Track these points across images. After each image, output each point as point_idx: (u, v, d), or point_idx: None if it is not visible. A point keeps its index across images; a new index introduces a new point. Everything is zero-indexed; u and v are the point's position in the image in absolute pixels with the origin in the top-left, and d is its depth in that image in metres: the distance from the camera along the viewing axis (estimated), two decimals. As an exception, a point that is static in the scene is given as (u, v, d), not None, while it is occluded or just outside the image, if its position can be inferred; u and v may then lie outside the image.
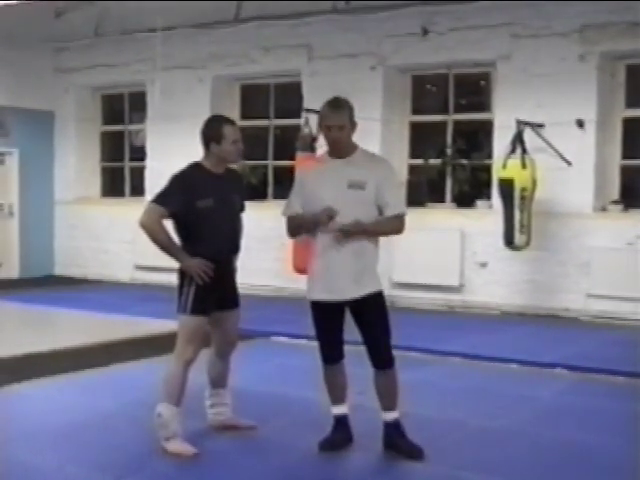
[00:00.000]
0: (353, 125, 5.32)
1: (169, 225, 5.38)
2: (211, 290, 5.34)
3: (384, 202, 5.24)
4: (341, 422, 5.53)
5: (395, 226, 5.36)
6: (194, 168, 5.49)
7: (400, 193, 5.40)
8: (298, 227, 5.45)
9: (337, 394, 5.52)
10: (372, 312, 5.31)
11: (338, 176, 5.23)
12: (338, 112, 5.26)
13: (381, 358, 5.33)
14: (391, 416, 5.38)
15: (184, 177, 5.42)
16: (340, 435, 5.51)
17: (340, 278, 5.21)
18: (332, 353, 5.44)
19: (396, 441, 5.38)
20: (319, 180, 5.31)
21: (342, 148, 5.30)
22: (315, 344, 5.54)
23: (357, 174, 5.22)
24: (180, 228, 5.44)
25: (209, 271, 5.30)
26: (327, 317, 5.37)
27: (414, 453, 5.30)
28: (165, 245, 5.31)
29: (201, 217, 5.33)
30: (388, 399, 5.38)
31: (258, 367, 7.80)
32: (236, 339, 5.76)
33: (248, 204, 5.80)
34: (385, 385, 5.37)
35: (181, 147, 12.75)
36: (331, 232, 5.16)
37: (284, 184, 13.48)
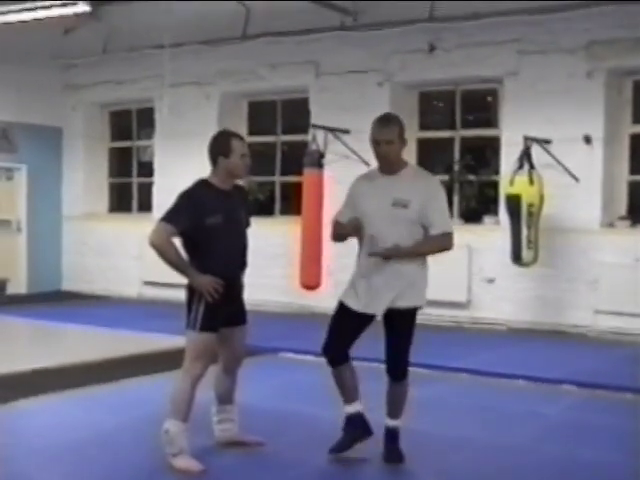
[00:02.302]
0: (403, 141, 5.35)
1: (177, 242, 5.39)
2: (220, 307, 5.33)
3: (428, 221, 5.27)
4: (353, 420, 5.53)
5: (439, 244, 5.38)
6: (202, 185, 5.50)
7: (446, 211, 5.39)
8: (339, 235, 5.52)
9: (348, 393, 5.54)
10: (403, 326, 5.37)
11: (384, 193, 5.28)
12: (387, 127, 5.31)
13: (397, 370, 5.41)
14: (393, 423, 5.53)
15: (192, 194, 5.42)
16: (351, 433, 5.53)
17: (375, 295, 5.29)
18: (333, 353, 5.45)
19: (387, 443, 5.54)
20: (366, 196, 5.38)
21: (390, 164, 5.34)
22: (323, 360, 5.53)
23: (402, 192, 5.25)
24: (189, 245, 5.43)
25: (219, 288, 5.30)
26: (349, 321, 5.40)
27: (391, 458, 5.49)
28: (175, 263, 5.31)
29: (210, 234, 5.33)
30: (394, 407, 5.51)
31: (265, 383, 7.79)
32: (243, 355, 5.76)
33: (255, 220, 5.82)
34: (395, 393, 5.48)
35: (188, 163, 12.82)
36: (371, 256, 5.26)
37: (291, 200, 13.51)
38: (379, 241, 5.25)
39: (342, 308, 5.45)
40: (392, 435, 5.51)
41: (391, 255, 5.21)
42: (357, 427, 5.53)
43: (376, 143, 5.30)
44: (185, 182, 5.62)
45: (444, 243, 5.38)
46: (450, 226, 5.38)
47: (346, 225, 5.39)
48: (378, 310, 5.31)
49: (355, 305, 5.37)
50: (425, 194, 5.29)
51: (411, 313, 5.38)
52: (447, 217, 5.40)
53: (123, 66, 15.07)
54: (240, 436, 5.81)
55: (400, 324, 5.36)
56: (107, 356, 9.14)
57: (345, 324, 5.42)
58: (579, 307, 11.20)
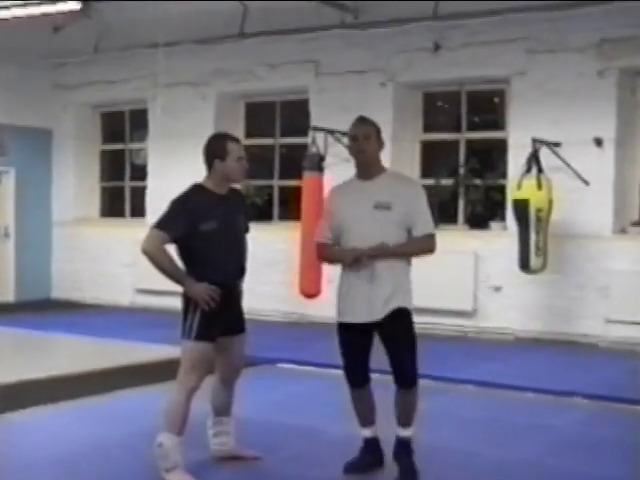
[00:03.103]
0: (380, 143, 5.47)
1: (172, 249, 5.39)
2: (217, 315, 5.34)
3: (412, 223, 5.35)
4: (370, 445, 5.59)
5: (424, 246, 5.46)
6: (196, 190, 5.51)
7: (429, 213, 5.48)
8: (327, 258, 5.64)
9: (365, 417, 5.60)
10: (396, 328, 5.36)
11: (364, 197, 5.35)
12: (364, 124, 5.46)
13: (404, 376, 5.39)
14: (405, 433, 5.46)
15: (186, 200, 5.44)
16: (367, 458, 5.58)
17: (366, 302, 5.31)
18: (356, 376, 5.52)
19: (400, 457, 5.46)
20: (345, 201, 5.45)
21: (368, 164, 5.43)
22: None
23: (384, 195, 5.33)
24: (184, 252, 5.45)
25: (215, 296, 5.31)
26: (353, 339, 5.44)
27: (407, 475, 5.38)
28: (169, 271, 5.33)
29: (205, 240, 5.35)
30: (405, 415, 5.45)
31: (263, 395, 7.79)
32: (241, 366, 5.76)
33: (253, 226, 5.83)
34: (404, 402, 5.44)
35: (183, 166, 12.81)
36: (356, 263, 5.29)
37: (290, 205, 13.51)
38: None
39: (341, 328, 5.49)
40: (405, 447, 5.44)
41: (377, 254, 5.24)
42: (373, 452, 5.59)
43: (354, 139, 5.43)
44: (179, 186, 5.64)
45: (428, 245, 5.46)
46: (433, 228, 5.48)
47: (334, 251, 5.44)
48: (369, 317, 5.30)
49: (349, 318, 5.39)
50: (407, 196, 5.39)
51: (404, 315, 5.37)
52: (430, 219, 5.47)
53: (115, 65, 15.09)
54: (237, 450, 5.81)
55: (396, 328, 5.35)
56: (98, 367, 9.14)
57: (352, 343, 5.46)
58: (589, 316, 11.20)
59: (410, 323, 5.41)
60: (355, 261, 5.26)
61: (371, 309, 5.29)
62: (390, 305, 5.31)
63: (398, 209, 5.29)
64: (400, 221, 5.32)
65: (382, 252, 5.24)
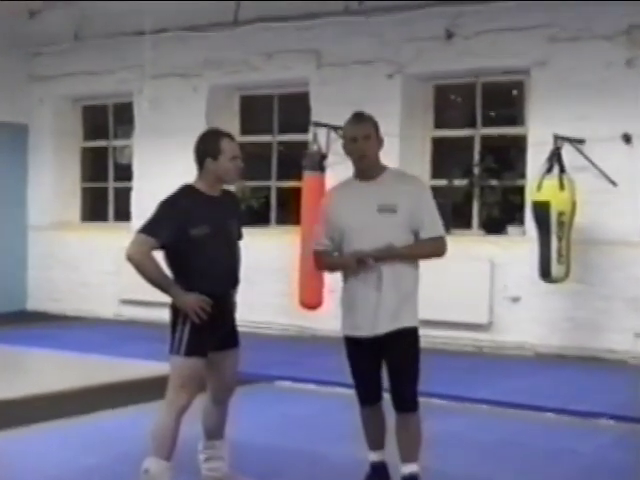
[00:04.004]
0: (379, 141, 5.47)
1: (159, 256, 5.40)
2: (208, 328, 5.35)
3: (419, 225, 5.35)
4: (377, 470, 5.58)
5: (433, 249, 5.47)
6: (186, 191, 5.52)
7: (436, 214, 5.48)
8: (327, 267, 5.69)
9: (374, 438, 5.59)
10: (399, 348, 5.36)
11: (366, 200, 5.35)
12: (362, 123, 5.44)
13: (403, 400, 5.37)
14: (409, 469, 5.38)
15: (175, 202, 5.45)
16: None
17: (371, 312, 5.31)
18: (366, 393, 5.53)
19: None
20: (345, 205, 5.45)
21: (369, 166, 5.42)
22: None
23: (387, 196, 5.33)
24: (172, 259, 5.46)
25: (207, 307, 5.32)
26: (360, 354, 5.45)
27: None
28: (156, 280, 5.33)
29: (196, 246, 5.36)
30: (407, 448, 5.41)
31: (259, 416, 7.81)
32: (235, 384, 5.77)
33: (248, 230, 5.85)
34: (405, 431, 5.40)
35: (172, 165, 12.84)
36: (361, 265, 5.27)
37: (289, 208, 13.52)
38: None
39: (348, 342, 5.50)
40: None
41: (383, 256, 5.24)
42: (380, 478, 5.57)
43: (353, 140, 5.39)
44: (168, 187, 5.65)
45: (438, 247, 5.47)
46: (442, 230, 5.49)
47: (335, 259, 5.47)
48: (373, 330, 5.30)
49: (355, 331, 5.39)
50: (412, 196, 5.39)
51: (410, 334, 5.37)
52: (438, 220, 5.49)
53: (98, 54, 15.10)
54: (230, 476, 5.81)
55: (397, 349, 5.35)
56: (79, 385, 9.15)
57: (360, 358, 5.46)
58: (617, 330, 11.20)
59: (416, 343, 5.42)
60: (359, 263, 5.25)
61: (377, 321, 5.29)
62: (397, 322, 5.30)
63: (403, 211, 5.30)
64: (406, 224, 5.32)
65: (389, 253, 5.25)
